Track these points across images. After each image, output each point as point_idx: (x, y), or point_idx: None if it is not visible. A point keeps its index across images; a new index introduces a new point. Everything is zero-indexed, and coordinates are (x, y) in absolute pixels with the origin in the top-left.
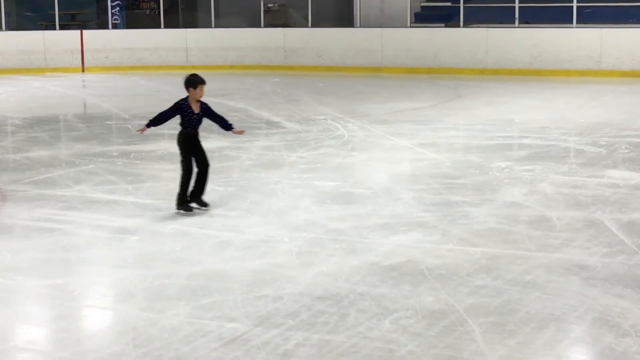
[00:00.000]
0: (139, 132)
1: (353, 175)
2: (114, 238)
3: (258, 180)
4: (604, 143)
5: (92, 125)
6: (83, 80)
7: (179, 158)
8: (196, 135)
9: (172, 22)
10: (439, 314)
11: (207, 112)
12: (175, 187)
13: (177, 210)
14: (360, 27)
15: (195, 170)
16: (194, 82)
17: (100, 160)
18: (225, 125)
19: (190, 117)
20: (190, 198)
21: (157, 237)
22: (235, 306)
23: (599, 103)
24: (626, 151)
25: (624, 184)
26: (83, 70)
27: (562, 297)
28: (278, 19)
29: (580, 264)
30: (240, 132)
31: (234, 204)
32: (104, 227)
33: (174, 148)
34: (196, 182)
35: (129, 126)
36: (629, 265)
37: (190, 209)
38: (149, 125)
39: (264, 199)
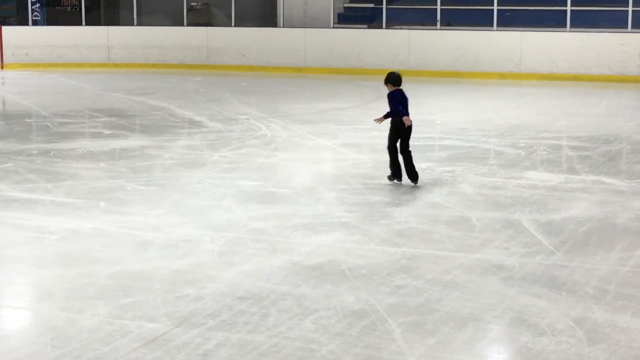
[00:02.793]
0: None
1: (275, 175)
2: (33, 237)
3: (180, 180)
4: (523, 145)
5: (11, 123)
6: (2, 77)
7: (100, 157)
8: None
9: (93, 19)
10: (360, 314)
11: None
12: (96, 184)
13: None
14: (283, 27)
15: None
16: None
17: (19, 158)
18: None
19: None
20: None
21: (77, 236)
22: (156, 306)
23: (519, 105)
24: (544, 153)
25: (542, 185)
26: (2, 67)
27: (481, 297)
28: (201, 17)
29: (499, 264)
30: None
31: (156, 203)
32: (22, 226)
33: (94, 146)
34: None
35: (49, 124)
36: (546, 266)
37: None
38: None
39: (186, 198)
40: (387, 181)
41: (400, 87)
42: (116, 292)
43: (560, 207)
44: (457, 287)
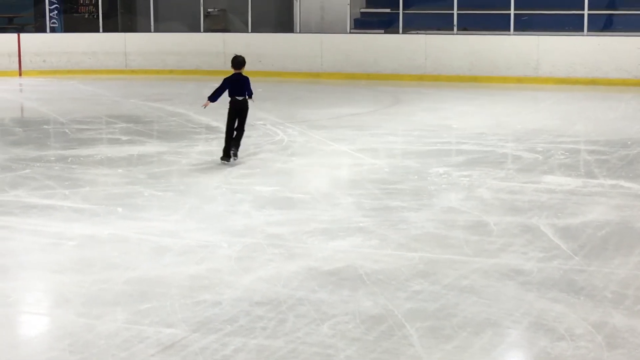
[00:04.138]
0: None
1: (292, 180)
2: (51, 243)
3: (197, 185)
4: (540, 149)
5: (29, 130)
6: (20, 84)
7: (118, 163)
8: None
9: (110, 26)
10: (377, 319)
11: None
12: (113, 190)
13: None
14: (300, 32)
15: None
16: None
17: (37, 164)
18: None
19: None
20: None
21: (95, 242)
22: (173, 311)
23: (536, 110)
24: (562, 157)
25: (560, 189)
26: (20, 74)
27: (499, 302)
28: (218, 24)
29: (517, 269)
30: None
31: (173, 209)
32: (40, 232)
33: (111, 153)
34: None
35: (67, 130)
36: (564, 270)
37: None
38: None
39: (203, 204)
40: (404, 186)
41: (239, 71)
42: (134, 298)
43: (578, 211)
44: (474, 292)
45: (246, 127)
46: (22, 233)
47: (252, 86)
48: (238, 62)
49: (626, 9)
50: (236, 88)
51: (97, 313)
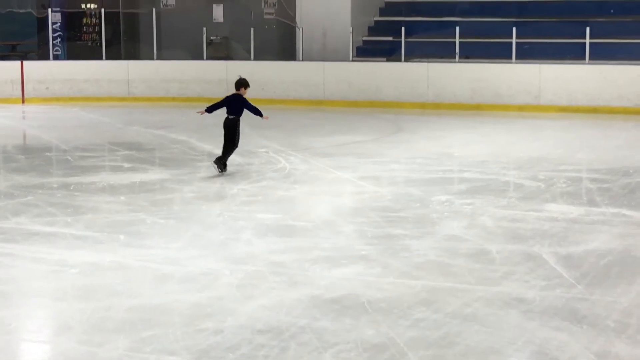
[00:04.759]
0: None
1: (295, 208)
2: (53, 270)
3: (199, 213)
4: (542, 177)
5: (32, 157)
6: (23, 112)
7: (120, 190)
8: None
9: (114, 54)
10: (380, 347)
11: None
12: (116, 218)
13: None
14: (302, 60)
15: None
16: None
17: (40, 192)
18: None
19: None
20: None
21: (97, 270)
22: (175, 339)
23: (538, 138)
24: (564, 185)
25: (562, 217)
26: (23, 102)
27: (501, 330)
28: (220, 51)
29: (519, 297)
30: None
31: (175, 237)
32: (42, 260)
33: (114, 180)
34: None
35: (69, 158)
36: (567, 299)
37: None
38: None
39: (205, 231)
40: (407, 214)
41: (237, 92)
42: (136, 326)
43: (580, 239)
44: (477, 320)
45: (250, 154)
46: (24, 260)
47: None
48: (236, 82)
49: (627, 38)
50: (231, 107)
51: (99, 341)
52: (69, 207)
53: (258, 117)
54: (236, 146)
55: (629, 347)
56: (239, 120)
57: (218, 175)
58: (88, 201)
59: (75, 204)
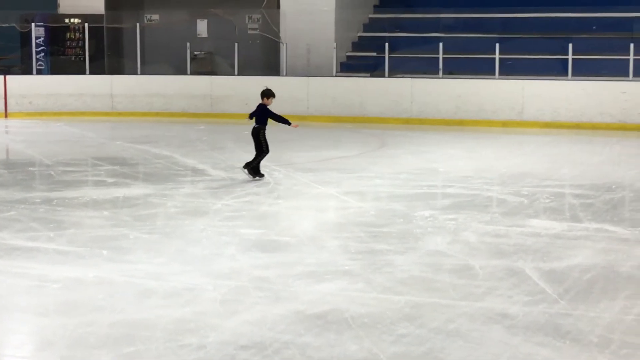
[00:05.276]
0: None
1: (278, 223)
2: (35, 285)
3: (182, 228)
4: (525, 193)
5: (15, 172)
6: (6, 126)
7: (103, 205)
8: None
9: (97, 69)
10: None
11: None
12: (98, 233)
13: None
14: (286, 75)
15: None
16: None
17: (22, 206)
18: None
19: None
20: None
21: (79, 285)
22: (158, 355)
23: (521, 153)
24: (547, 201)
25: (545, 233)
26: (6, 116)
27: (485, 346)
28: (204, 66)
29: (503, 313)
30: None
31: (158, 252)
32: (24, 275)
33: (97, 195)
34: None
35: (52, 172)
36: (550, 314)
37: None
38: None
39: (189, 246)
40: (390, 229)
41: (262, 102)
42: (118, 341)
43: (563, 255)
44: (460, 335)
45: (234, 169)
46: (6, 275)
47: (239, 129)
48: (261, 92)
49: (610, 54)
50: (257, 116)
51: (81, 356)
52: (52, 222)
53: (286, 125)
54: (265, 152)
55: None
56: (262, 129)
57: (202, 191)
58: (71, 216)
59: (57, 218)
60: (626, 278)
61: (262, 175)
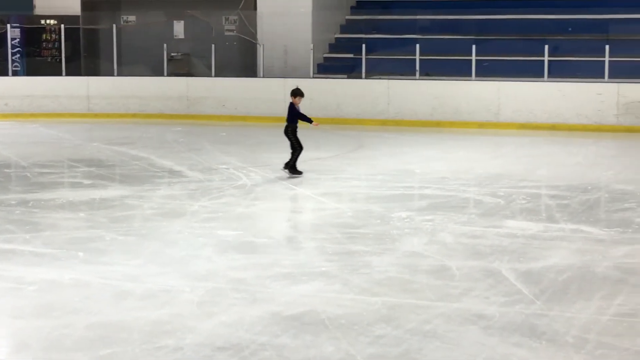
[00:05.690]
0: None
1: (255, 224)
2: (11, 287)
3: (159, 230)
4: (502, 194)
5: None
6: None
7: (79, 207)
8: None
9: (73, 70)
10: None
11: None
12: (75, 234)
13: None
14: (263, 77)
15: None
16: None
17: None
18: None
19: None
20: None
21: (55, 287)
22: (135, 357)
23: (497, 154)
24: (524, 202)
25: (522, 233)
26: None
27: (461, 347)
28: (181, 68)
29: (479, 314)
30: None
31: (135, 253)
32: (0, 277)
33: (73, 196)
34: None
35: (28, 174)
36: (526, 315)
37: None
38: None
39: (165, 248)
40: (367, 230)
41: (291, 100)
42: (95, 343)
43: (539, 255)
44: (437, 336)
45: (211, 171)
46: None
47: (216, 130)
48: (291, 92)
49: (585, 56)
50: (287, 114)
51: (57, 358)
52: (28, 223)
53: (308, 123)
54: (298, 149)
55: None
56: (290, 127)
57: (178, 192)
58: (47, 218)
59: (34, 220)
60: (602, 278)
61: (300, 173)
